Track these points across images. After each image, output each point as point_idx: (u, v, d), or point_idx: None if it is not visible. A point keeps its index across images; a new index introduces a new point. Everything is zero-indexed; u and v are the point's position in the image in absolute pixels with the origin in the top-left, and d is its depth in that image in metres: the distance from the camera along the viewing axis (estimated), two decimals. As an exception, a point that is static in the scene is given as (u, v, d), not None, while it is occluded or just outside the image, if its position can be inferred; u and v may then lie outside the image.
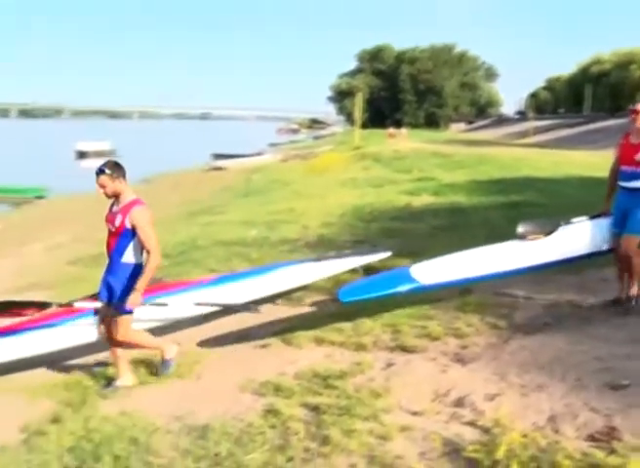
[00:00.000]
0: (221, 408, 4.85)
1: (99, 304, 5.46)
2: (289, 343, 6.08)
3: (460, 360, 5.33)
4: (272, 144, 60.42)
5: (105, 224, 5.35)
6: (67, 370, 6.11)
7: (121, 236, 5.16)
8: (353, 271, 7.59)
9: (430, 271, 6.00)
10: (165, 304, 5.66)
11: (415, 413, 4.42)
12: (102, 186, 5.20)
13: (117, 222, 5.15)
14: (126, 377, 5.48)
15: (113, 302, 5.29)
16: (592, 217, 6.55)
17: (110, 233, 5.26)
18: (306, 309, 7.20)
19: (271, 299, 7.10)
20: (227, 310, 6.60)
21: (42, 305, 5.61)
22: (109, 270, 5.34)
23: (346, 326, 6.25)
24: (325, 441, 4.09)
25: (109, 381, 5.56)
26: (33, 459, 4.33)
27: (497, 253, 6.33)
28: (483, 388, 4.68)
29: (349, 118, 71.86)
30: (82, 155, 48.61)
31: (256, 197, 18.68)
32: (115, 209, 5.26)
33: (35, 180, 26.22)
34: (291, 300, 7.38)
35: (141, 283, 5.14)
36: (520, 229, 6.45)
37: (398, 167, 23.00)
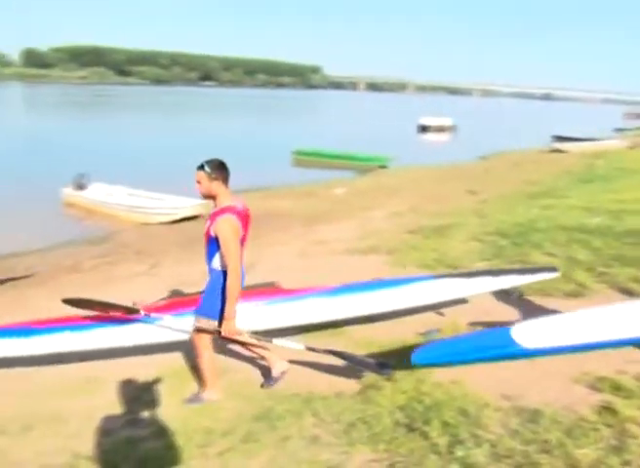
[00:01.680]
0: (552, 395, 4.75)
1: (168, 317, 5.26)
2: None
3: None
4: (618, 129, 56.51)
5: None
6: (398, 329, 6.40)
7: (209, 242, 4.79)
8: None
9: (539, 333, 4.96)
10: (269, 340, 5.12)
11: None
12: (198, 182, 4.78)
13: (206, 227, 4.80)
14: (213, 391, 5.10)
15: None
16: None
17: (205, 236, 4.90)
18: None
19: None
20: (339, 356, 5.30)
21: (129, 310, 5.36)
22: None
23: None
24: (668, 451, 3.81)
25: (196, 392, 5.20)
26: (367, 410, 4.61)
27: (635, 314, 5.09)
28: None
29: None
30: (424, 129, 49.88)
31: (599, 183, 17.69)
32: (212, 212, 4.87)
33: (379, 150, 27.39)
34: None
35: (229, 309, 4.74)
36: None
37: None
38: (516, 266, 7.69)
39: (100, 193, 15.75)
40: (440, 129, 50.38)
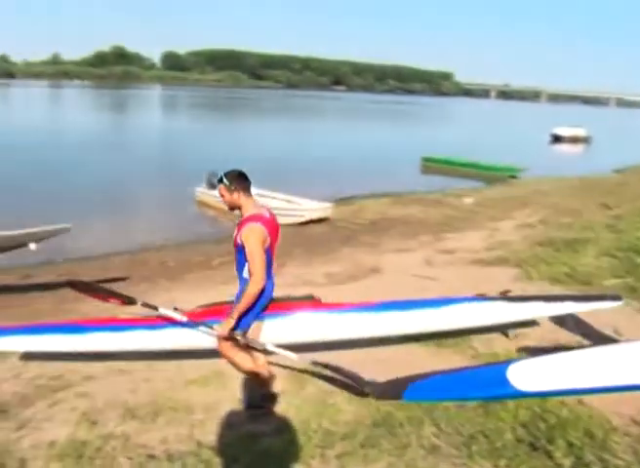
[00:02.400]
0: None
1: (180, 316, 5.20)
2: None
3: None
4: None
5: None
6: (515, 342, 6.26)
7: (238, 252, 4.70)
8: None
9: (536, 374, 4.53)
10: (265, 348, 4.94)
11: None
12: (221, 195, 4.81)
13: (234, 237, 4.72)
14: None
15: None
16: None
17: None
18: None
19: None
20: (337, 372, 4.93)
21: (127, 299, 5.52)
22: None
23: None
24: None
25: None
26: (488, 423, 4.56)
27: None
28: None
29: None
30: (557, 139, 48.44)
31: None
32: (239, 222, 4.80)
33: (510, 159, 26.70)
34: None
35: (235, 311, 4.65)
36: None
37: None
38: (575, 292, 7.18)
39: (230, 193, 16.12)
40: (574, 139, 48.72)
